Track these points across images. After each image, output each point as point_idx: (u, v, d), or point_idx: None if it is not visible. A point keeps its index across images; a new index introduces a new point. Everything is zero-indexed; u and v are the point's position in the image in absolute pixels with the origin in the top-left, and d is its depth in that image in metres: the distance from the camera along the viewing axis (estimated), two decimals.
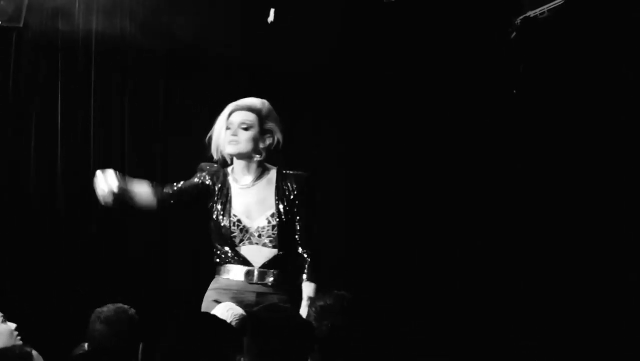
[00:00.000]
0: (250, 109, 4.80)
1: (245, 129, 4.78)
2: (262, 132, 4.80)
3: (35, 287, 5.98)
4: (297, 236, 4.77)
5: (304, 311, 4.49)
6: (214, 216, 4.80)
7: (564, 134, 6.24)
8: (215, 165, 4.89)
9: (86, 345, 4.27)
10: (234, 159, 4.84)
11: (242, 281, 4.73)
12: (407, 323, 5.87)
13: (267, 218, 4.75)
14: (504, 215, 6.41)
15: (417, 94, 6.52)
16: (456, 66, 6.49)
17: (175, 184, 4.87)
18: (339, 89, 6.49)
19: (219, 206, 4.79)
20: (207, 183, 4.83)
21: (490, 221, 6.44)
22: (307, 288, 4.71)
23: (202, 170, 4.88)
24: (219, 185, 4.82)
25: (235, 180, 4.83)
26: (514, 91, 6.40)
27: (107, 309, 4.19)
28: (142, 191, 4.79)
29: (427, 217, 6.49)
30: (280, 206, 4.75)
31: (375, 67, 6.51)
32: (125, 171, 5.30)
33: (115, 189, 4.63)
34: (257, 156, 4.81)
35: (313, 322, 4.39)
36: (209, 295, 4.74)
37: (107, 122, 6.29)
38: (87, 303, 4.52)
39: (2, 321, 4.27)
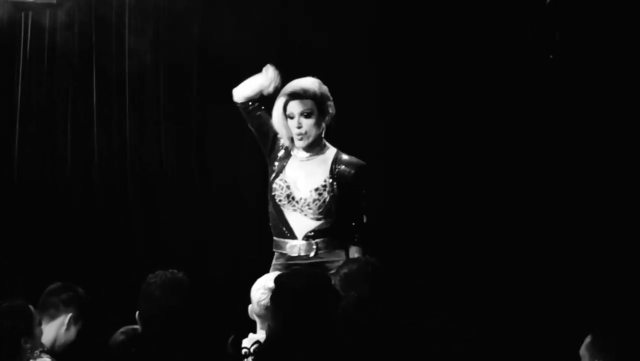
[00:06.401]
0: (305, 94, 4.91)
1: (307, 116, 4.92)
2: (322, 113, 4.95)
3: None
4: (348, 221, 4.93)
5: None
6: (270, 177, 5.04)
7: (602, 100, 6.24)
8: None
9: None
10: None
11: (294, 255, 4.95)
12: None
13: (311, 191, 4.92)
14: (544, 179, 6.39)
15: (450, 61, 6.47)
16: (491, 33, 6.47)
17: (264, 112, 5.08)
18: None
19: (275, 168, 5.03)
20: (278, 136, 5.03)
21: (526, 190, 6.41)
22: (352, 250, 4.94)
23: None
24: (282, 150, 5.04)
25: (297, 151, 5.02)
26: (551, 57, 6.41)
27: (167, 278, 3.84)
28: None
29: (459, 186, 6.48)
30: (329, 182, 4.91)
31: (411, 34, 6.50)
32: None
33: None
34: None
35: (340, 292, 4.43)
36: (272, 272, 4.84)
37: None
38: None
39: None
